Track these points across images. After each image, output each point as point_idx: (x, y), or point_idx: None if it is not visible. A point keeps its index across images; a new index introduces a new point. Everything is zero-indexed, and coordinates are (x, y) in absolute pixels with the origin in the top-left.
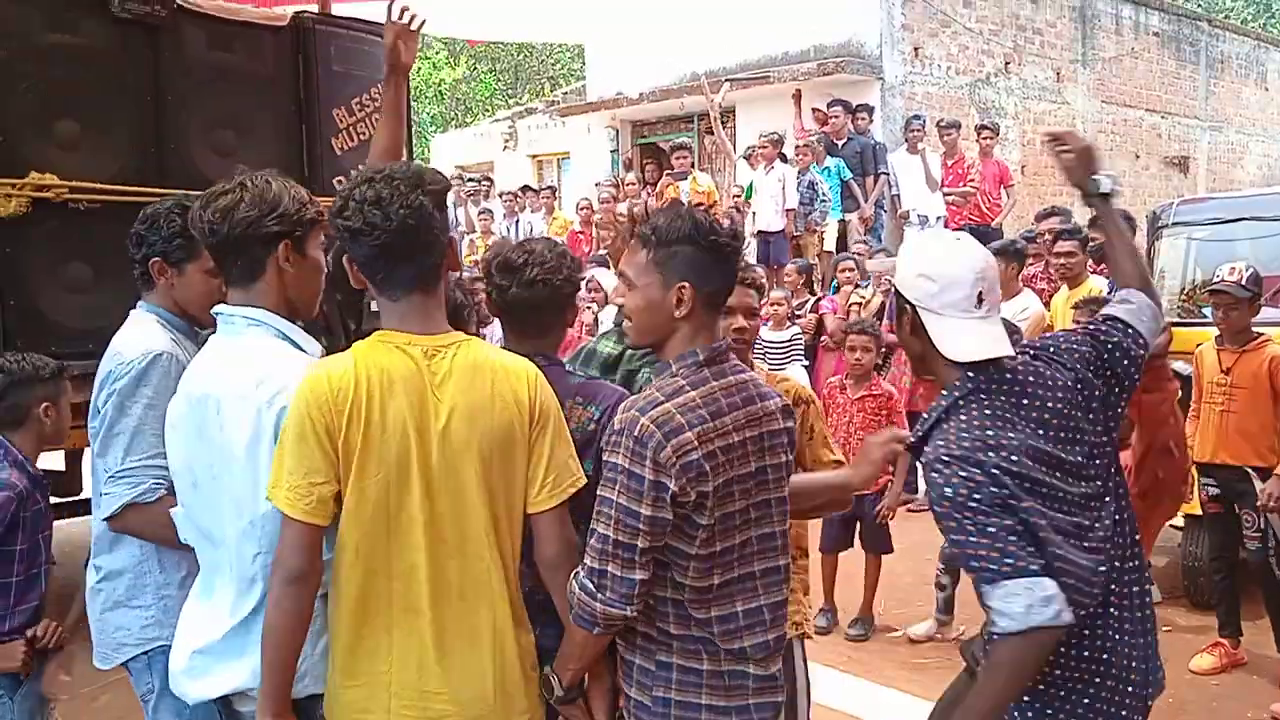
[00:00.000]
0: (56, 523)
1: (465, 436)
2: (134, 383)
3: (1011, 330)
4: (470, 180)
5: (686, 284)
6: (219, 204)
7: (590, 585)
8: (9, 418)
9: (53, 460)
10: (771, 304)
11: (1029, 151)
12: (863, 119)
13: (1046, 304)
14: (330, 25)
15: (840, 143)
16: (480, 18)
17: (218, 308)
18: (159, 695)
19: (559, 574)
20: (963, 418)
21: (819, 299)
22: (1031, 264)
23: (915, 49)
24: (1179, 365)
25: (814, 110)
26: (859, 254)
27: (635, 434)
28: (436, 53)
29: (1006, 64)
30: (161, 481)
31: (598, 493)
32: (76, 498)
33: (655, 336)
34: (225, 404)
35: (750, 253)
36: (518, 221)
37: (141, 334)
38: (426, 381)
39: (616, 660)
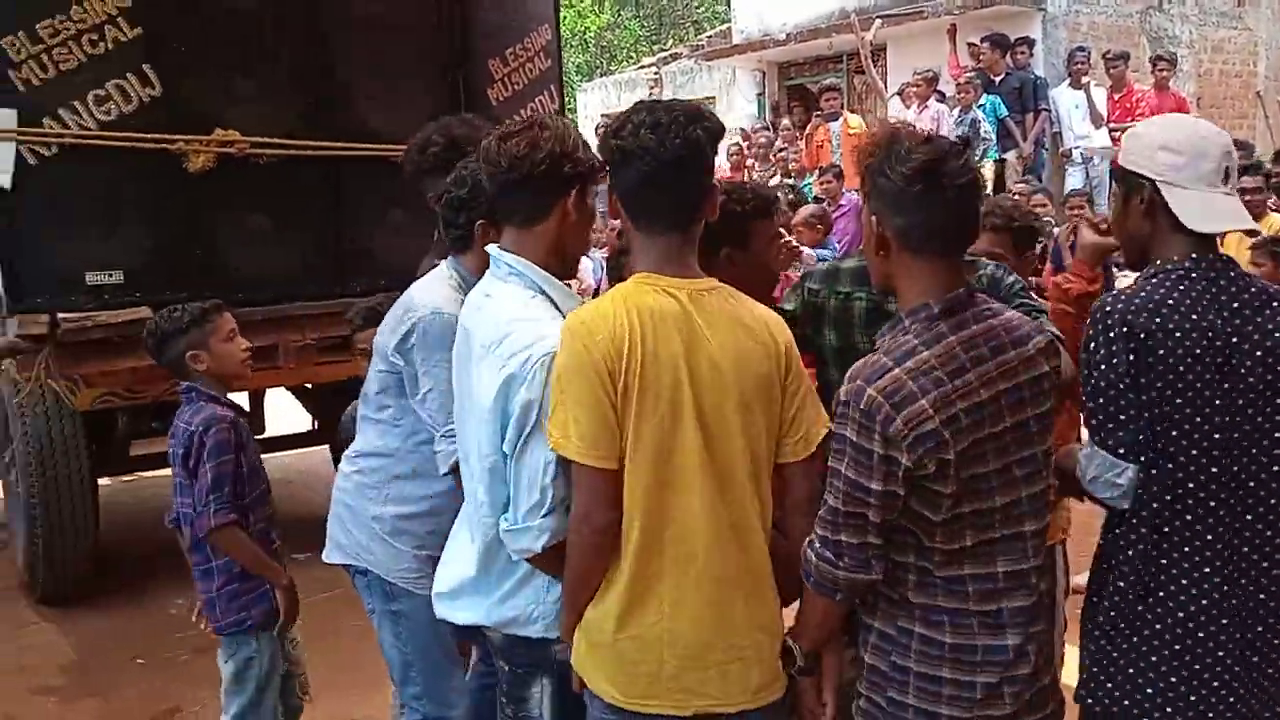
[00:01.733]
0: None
1: (732, 381)
2: (433, 344)
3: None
4: None
5: (878, 219)
6: (521, 139)
7: (829, 554)
8: (174, 368)
9: (238, 400)
10: None
11: (1205, 83)
12: (1022, 53)
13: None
14: None
15: (997, 79)
16: None
17: (491, 247)
18: (380, 616)
19: (805, 519)
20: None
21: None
22: None
23: None
24: None
25: (969, 45)
26: (1020, 194)
27: (862, 406)
28: (582, 1)
29: None
30: None
31: (830, 463)
32: (260, 437)
33: (880, 281)
34: (474, 349)
35: None
36: None
37: (438, 291)
38: (696, 323)
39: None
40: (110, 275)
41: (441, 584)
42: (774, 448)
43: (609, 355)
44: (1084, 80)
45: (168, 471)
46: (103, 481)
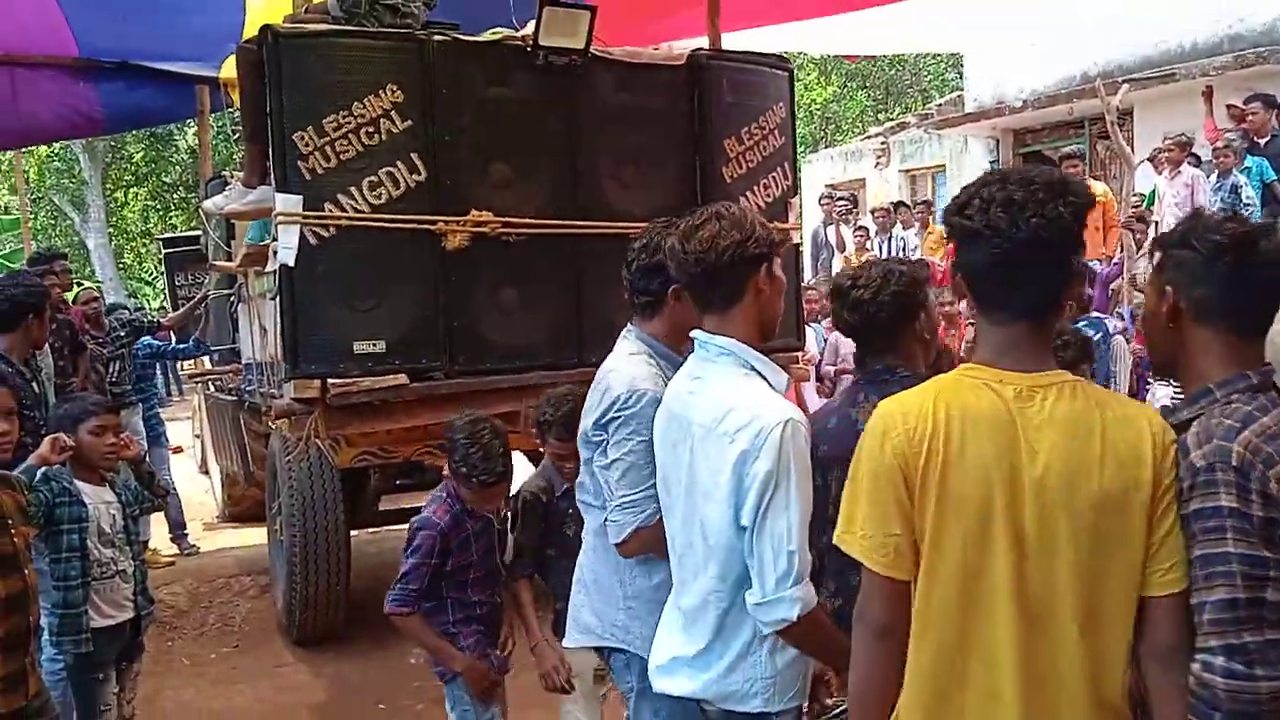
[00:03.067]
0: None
1: (1059, 498)
2: (628, 419)
3: None
4: (841, 199)
5: (1174, 290)
6: (702, 234)
7: (1240, 667)
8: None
9: None
10: None
11: None
12: None
13: None
14: (722, 60)
15: (1263, 141)
16: (855, 31)
17: (696, 332)
18: (639, 695)
19: (1170, 670)
20: None
21: None
22: None
23: None
24: None
25: (1229, 107)
26: None
27: (1235, 464)
28: (808, 74)
29: None
30: (660, 506)
31: (1199, 553)
32: None
33: (1162, 355)
34: (695, 430)
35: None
36: (890, 238)
37: (632, 370)
38: (1019, 425)
39: None
40: (374, 345)
41: (656, 658)
42: (1133, 586)
43: (904, 454)
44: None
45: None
46: (353, 533)
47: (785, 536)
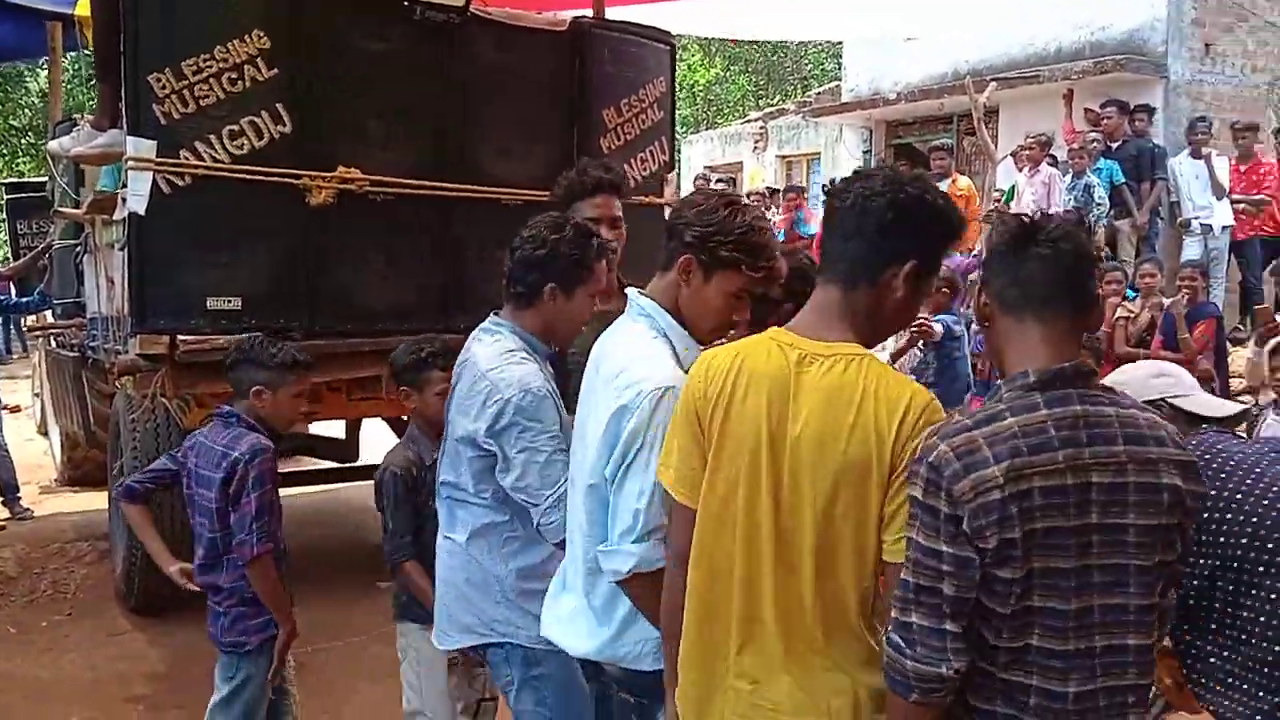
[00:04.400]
0: (336, 485)
1: (811, 458)
2: (529, 424)
3: None
4: (718, 181)
5: (982, 288)
6: (696, 195)
7: (898, 640)
8: (237, 388)
9: (334, 427)
10: None
11: None
12: (1141, 120)
13: None
14: (605, 28)
15: (1114, 145)
16: (740, 16)
17: (630, 289)
18: (520, 685)
19: None
20: None
21: None
22: None
23: (1206, 45)
24: None
25: (1086, 110)
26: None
27: (931, 461)
28: (692, 54)
29: None
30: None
31: (903, 534)
32: (353, 464)
33: (993, 358)
34: (599, 380)
35: None
36: None
37: (518, 371)
38: (792, 388)
39: None
40: (229, 301)
41: (558, 611)
42: (862, 544)
43: (700, 397)
44: (1205, 150)
45: None
46: None
47: (636, 496)
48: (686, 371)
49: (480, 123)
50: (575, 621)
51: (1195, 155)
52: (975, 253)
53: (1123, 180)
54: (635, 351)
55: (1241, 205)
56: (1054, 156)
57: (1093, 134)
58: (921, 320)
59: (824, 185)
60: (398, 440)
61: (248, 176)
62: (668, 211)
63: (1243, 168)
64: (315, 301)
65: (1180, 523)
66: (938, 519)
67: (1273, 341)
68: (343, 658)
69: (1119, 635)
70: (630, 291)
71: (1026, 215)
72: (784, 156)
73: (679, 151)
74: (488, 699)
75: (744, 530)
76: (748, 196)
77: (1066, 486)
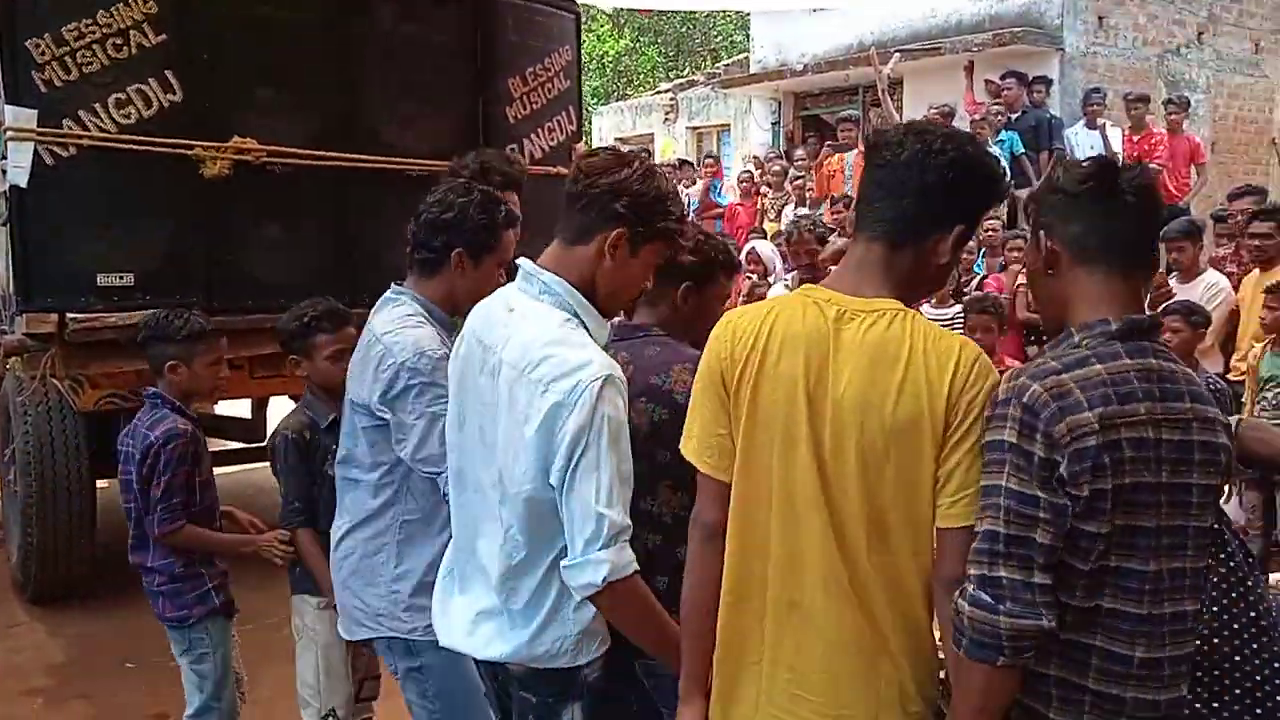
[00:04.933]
0: (242, 466)
1: (855, 419)
2: (425, 386)
3: (1194, 311)
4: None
5: (1047, 234)
6: (601, 160)
7: (985, 597)
8: (152, 365)
9: (240, 407)
10: None
11: (1220, 128)
12: (1038, 92)
13: (1236, 288)
14: None
15: (1014, 116)
16: None
17: (523, 261)
18: (404, 676)
19: (948, 599)
20: None
21: (984, 277)
22: (1223, 245)
23: (1100, 19)
24: None
25: (986, 82)
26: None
27: (1025, 401)
28: (600, 25)
29: (1199, 34)
30: None
31: (982, 484)
32: (261, 444)
33: (1050, 308)
34: (503, 370)
35: None
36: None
37: (414, 334)
38: (831, 346)
39: None
40: (121, 278)
41: (455, 618)
42: (916, 512)
43: (726, 360)
44: (1099, 121)
45: None
46: (101, 484)
47: (594, 498)
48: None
49: (381, 92)
50: (482, 627)
51: (1090, 126)
52: None
53: (1022, 151)
54: (553, 337)
55: None
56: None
57: (995, 105)
58: None
59: (866, 136)
60: None
61: (136, 147)
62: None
63: (1135, 137)
64: (213, 277)
65: (1220, 484)
66: (1032, 463)
67: (1162, 306)
68: (254, 641)
69: (1180, 601)
70: (525, 264)
71: (1104, 157)
72: (694, 128)
73: (588, 123)
74: (371, 677)
75: (781, 503)
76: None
77: (1148, 440)
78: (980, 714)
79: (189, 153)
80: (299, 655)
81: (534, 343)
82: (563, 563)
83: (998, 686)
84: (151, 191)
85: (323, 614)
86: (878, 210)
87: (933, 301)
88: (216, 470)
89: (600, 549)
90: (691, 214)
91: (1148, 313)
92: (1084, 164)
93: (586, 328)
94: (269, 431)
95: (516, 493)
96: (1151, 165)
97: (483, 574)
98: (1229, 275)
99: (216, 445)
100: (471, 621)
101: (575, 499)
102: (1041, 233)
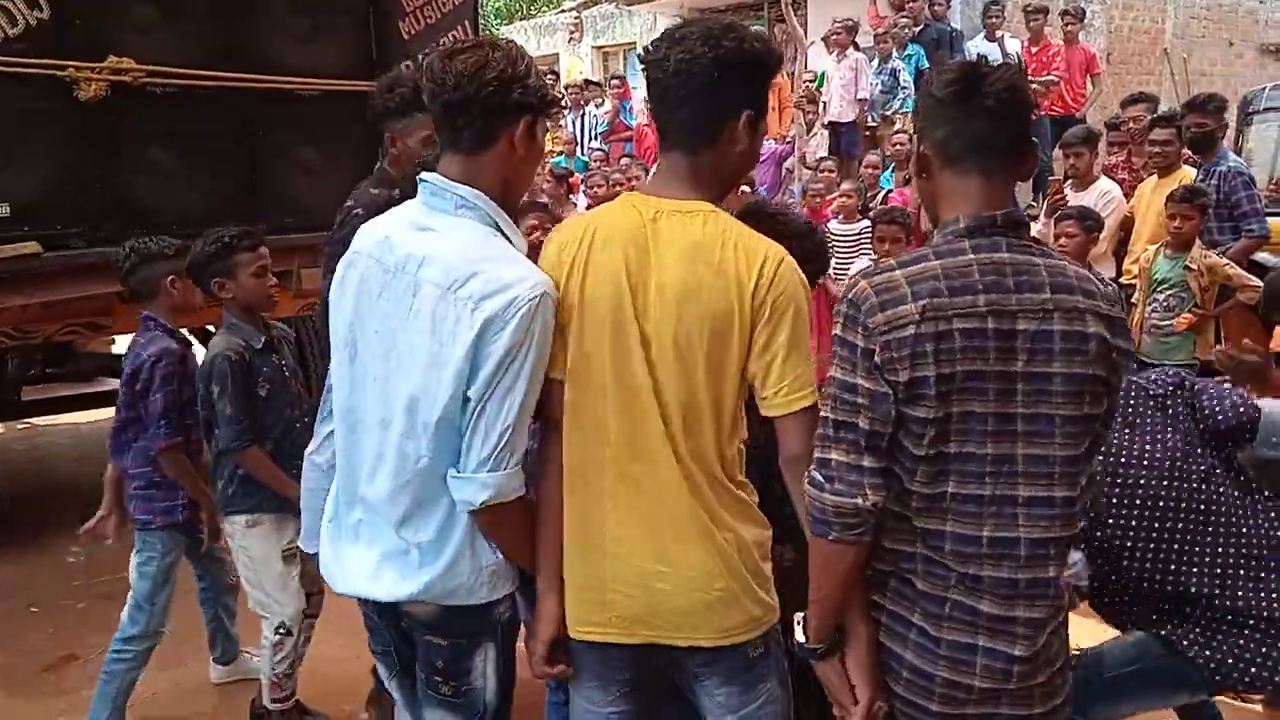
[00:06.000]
0: None
1: (674, 311)
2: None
3: (1087, 216)
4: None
5: (920, 138)
6: (468, 57)
7: (819, 477)
8: (144, 289)
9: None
10: (841, 195)
11: (1115, 38)
12: (940, 5)
13: (1127, 194)
14: None
15: (916, 29)
16: None
17: (431, 175)
18: None
19: (797, 478)
20: None
21: (889, 191)
22: (1114, 153)
23: None
24: (1266, 256)
25: None
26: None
27: (851, 298)
28: None
29: None
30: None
31: (828, 374)
32: None
33: (927, 208)
34: (424, 289)
35: (821, 145)
36: (583, 115)
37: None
38: (650, 243)
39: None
40: None
41: (354, 566)
42: (732, 393)
43: (555, 264)
44: (998, 33)
45: (65, 418)
46: None
47: (501, 420)
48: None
49: (270, 7)
50: (386, 570)
51: (989, 38)
52: (788, 139)
53: (927, 65)
54: (481, 253)
55: (1033, 86)
56: (856, 44)
57: (900, 19)
58: None
59: (637, 55)
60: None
61: (4, 69)
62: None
63: (1034, 49)
64: (99, 207)
65: (1106, 377)
66: (854, 354)
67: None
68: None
69: (1045, 486)
70: (433, 178)
71: (969, 61)
72: (600, 47)
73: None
74: (316, 592)
75: (617, 387)
76: (566, 90)
77: (987, 330)
78: (826, 584)
79: (61, 74)
80: (241, 574)
81: (460, 260)
82: (451, 473)
83: (835, 560)
84: (24, 116)
85: (250, 531)
86: (667, 122)
87: (840, 218)
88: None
89: (489, 471)
90: (599, 136)
91: (1005, 210)
92: (950, 68)
93: (508, 238)
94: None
95: (438, 418)
96: (1049, 76)
97: (378, 517)
98: (1120, 182)
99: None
100: (375, 566)
101: (485, 417)
102: (916, 137)
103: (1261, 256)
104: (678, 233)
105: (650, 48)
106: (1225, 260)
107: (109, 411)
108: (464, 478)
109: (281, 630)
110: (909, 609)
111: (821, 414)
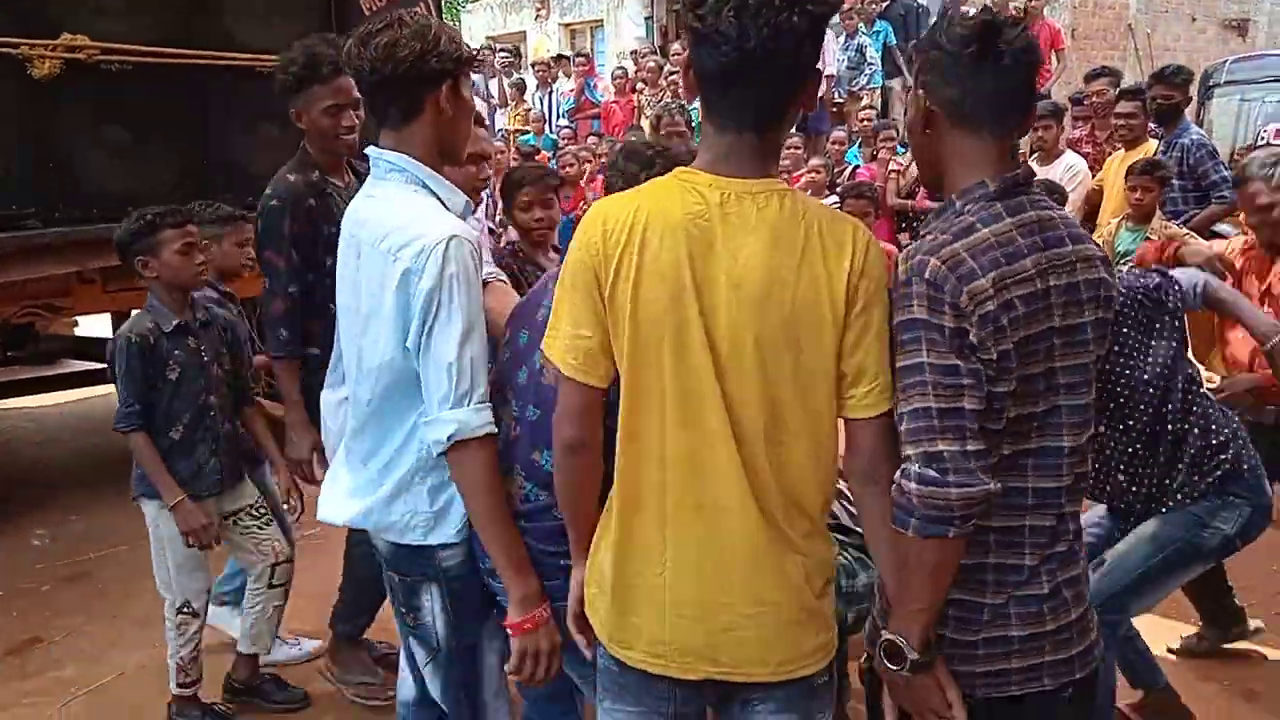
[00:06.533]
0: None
1: (752, 306)
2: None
3: (1053, 190)
4: (502, 51)
5: (926, 93)
6: (380, 40)
7: (932, 473)
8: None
9: (102, 326)
10: (809, 171)
11: (1080, 14)
12: None
13: (1092, 168)
14: None
15: (883, 5)
16: None
17: (370, 149)
18: None
19: (871, 484)
20: None
21: (856, 167)
22: (1079, 127)
23: None
24: (1226, 228)
25: None
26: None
27: (927, 277)
28: None
29: None
30: None
31: (899, 364)
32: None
33: (927, 166)
34: (364, 250)
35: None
36: (550, 92)
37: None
38: (718, 230)
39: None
40: None
41: (331, 495)
42: (825, 398)
43: (599, 255)
44: (964, 7)
45: (24, 401)
46: None
47: (445, 359)
48: (463, 220)
49: None
50: (349, 497)
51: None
52: None
53: (895, 41)
54: (399, 211)
55: None
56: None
57: None
58: None
59: (692, 25)
60: None
61: None
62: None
63: None
64: (54, 185)
65: (1110, 317)
66: (945, 335)
67: None
68: (129, 559)
69: (1080, 433)
70: (371, 151)
71: (983, 15)
72: (567, 24)
73: (457, 21)
74: (284, 561)
75: (676, 402)
76: (533, 67)
77: (1038, 292)
78: (935, 590)
79: (14, 51)
80: (153, 553)
81: (384, 218)
82: (421, 419)
83: (951, 558)
84: None
85: (164, 513)
86: (734, 99)
87: (808, 193)
88: (83, 392)
89: (451, 408)
90: (566, 114)
91: (1023, 168)
92: (967, 22)
93: (439, 197)
94: None
95: (378, 364)
96: None
97: (351, 453)
98: (1085, 156)
99: (82, 366)
100: (345, 494)
101: (429, 359)
102: (920, 92)
103: (1222, 228)
104: (752, 218)
105: (709, 15)
106: (1186, 230)
107: (72, 394)
108: (430, 420)
109: (186, 611)
110: (979, 591)
111: (914, 405)
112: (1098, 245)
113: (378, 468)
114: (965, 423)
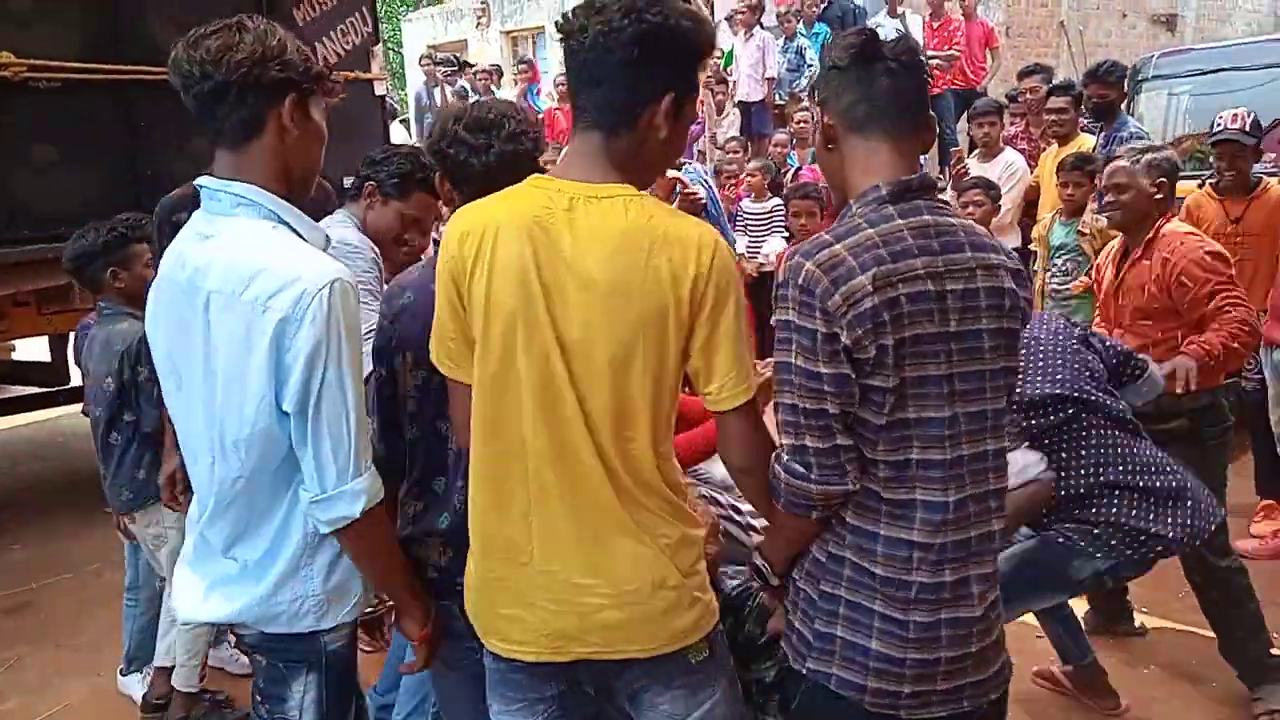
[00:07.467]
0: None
1: (604, 310)
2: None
3: (990, 185)
4: (442, 60)
5: (823, 109)
6: (212, 42)
7: (797, 467)
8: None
9: (38, 350)
10: (750, 174)
11: (1013, 12)
12: None
13: (1029, 165)
14: None
15: (821, 7)
16: None
17: (204, 180)
18: None
19: (747, 474)
20: None
21: (799, 169)
22: (1014, 124)
23: None
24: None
25: None
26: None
27: (800, 282)
28: None
29: None
30: None
31: (775, 360)
32: (65, 387)
33: (834, 181)
34: (212, 300)
35: (733, 124)
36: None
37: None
38: (565, 232)
39: None
40: None
41: (188, 592)
42: (670, 394)
43: (456, 259)
44: (900, 9)
45: None
46: None
47: (342, 417)
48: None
49: None
50: (215, 591)
51: (892, 14)
52: (698, 120)
53: (831, 42)
54: (257, 252)
55: (935, 61)
56: (762, 24)
57: None
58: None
59: (556, 22)
60: None
61: None
62: (379, 87)
63: (935, 25)
64: None
65: (1019, 329)
66: (814, 340)
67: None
68: (73, 588)
69: (980, 442)
70: (206, 181)
71: (863, 29)
72: (508, 32)
73: (398, 32)
74: None
75: (533, 394)
76: (475, 75)
77: (928, 293)
78: (795, 545)
79: None
80: (164, 563)
81: (240, 261)
82: (307, 497)
83: (810, 530)
84: None
85: (176, 519)
86: (584, 100)
87: (751, 196)
88: (22, 419)
89: (354, 478)
90: None
91: (920, 173)
92: (847, 37)
93: (296, 231)
94: (70, 373)
95: (247, 435)
96: (951, 51)
97: (206, 543)
98: (1021, 153)
99: (18, 392)
100: (205, 590)
101: (320, 426)
102: (819, 109)
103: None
104: (598, 222)
105: (569, 15)
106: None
107: (12, 420)
108: (328, 497)
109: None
110: (869, 597)
111: (784, 400)
112: (1008, 255)
113: (253, 557)
114: (831, 423)
